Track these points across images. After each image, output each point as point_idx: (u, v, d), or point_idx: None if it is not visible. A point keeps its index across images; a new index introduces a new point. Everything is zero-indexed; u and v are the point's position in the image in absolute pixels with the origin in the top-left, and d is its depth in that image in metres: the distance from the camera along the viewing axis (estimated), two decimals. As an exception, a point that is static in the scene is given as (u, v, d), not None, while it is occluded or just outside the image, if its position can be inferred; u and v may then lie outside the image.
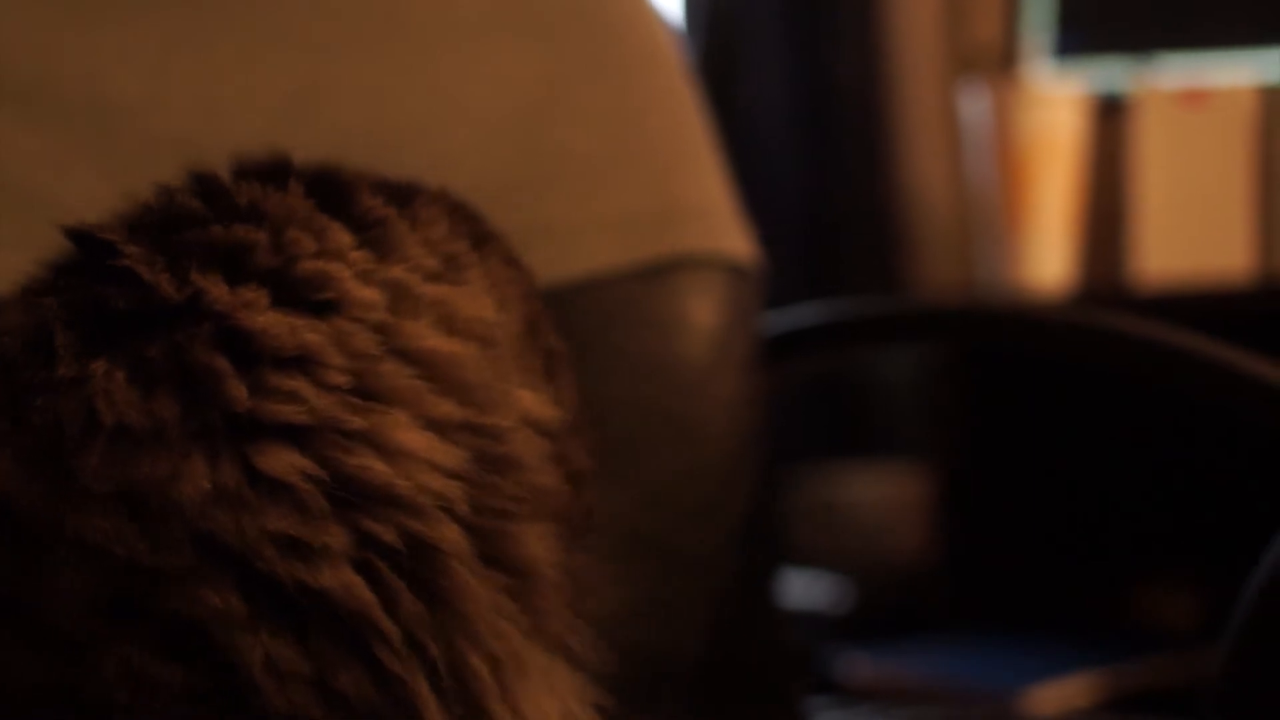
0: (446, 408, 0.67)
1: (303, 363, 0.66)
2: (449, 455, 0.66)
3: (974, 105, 2.25)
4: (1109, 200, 2.23)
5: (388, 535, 0.63)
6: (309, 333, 0.67)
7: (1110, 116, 2.25)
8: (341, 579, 0.62)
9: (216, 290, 0.68)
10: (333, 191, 0.76)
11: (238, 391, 0.65)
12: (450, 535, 0.64)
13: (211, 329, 0.66)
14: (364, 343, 0.67)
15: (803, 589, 2.25)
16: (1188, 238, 2.21)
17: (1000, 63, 2.39)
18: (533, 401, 0.72)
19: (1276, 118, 2.22)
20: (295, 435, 0.64)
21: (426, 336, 0.68)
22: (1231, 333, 1.17)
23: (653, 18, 1.35)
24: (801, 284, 2.27)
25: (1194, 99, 2.22)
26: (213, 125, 1.19)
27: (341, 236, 0.71)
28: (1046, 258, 2.19)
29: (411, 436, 0.65)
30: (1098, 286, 2.21)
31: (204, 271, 0.69)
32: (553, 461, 0.71)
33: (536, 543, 0.68)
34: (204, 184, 0.78)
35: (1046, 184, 2.20)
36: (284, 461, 0.64)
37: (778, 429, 2.31)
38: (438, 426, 0.66)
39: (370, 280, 0.69)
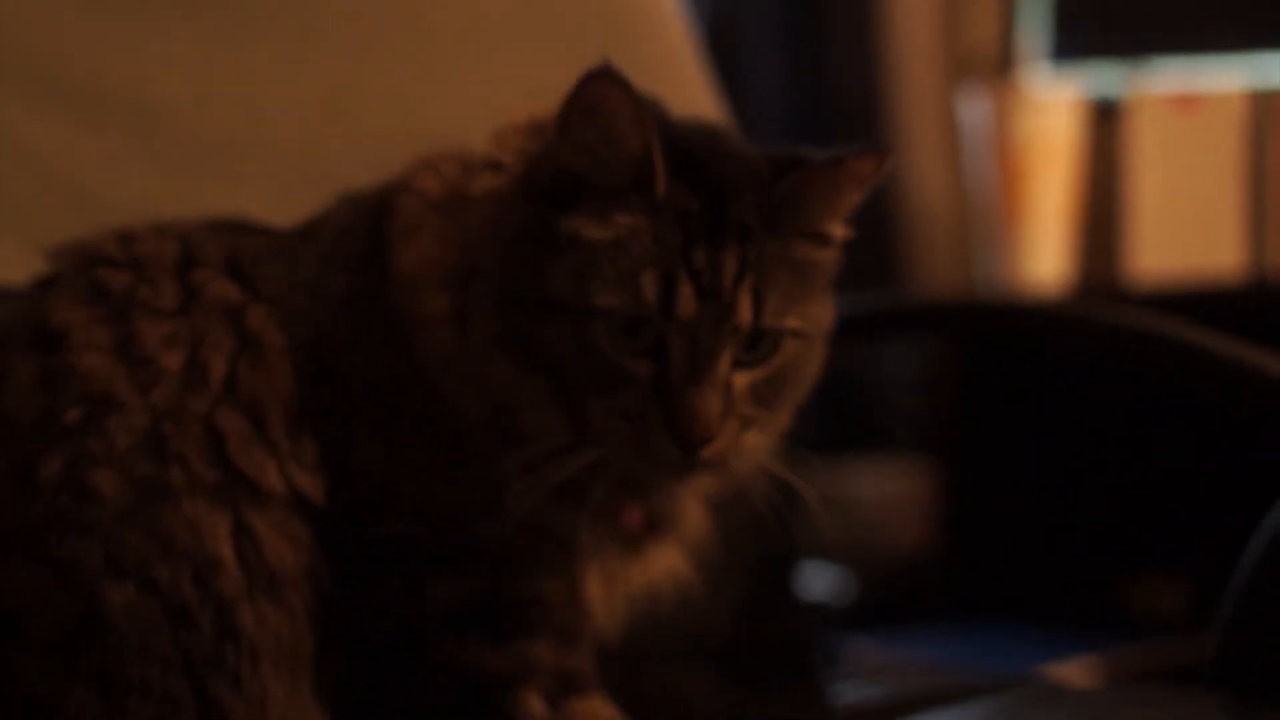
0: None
1: None
2: None
3: (972, 109, 2.30)
4: (1104, 201, 2.28)
5: None
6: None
7: (1105, 119, 2.30)
8: None
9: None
10: None
11: None
12: None
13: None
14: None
15: (809, 580, 2.30)
16: (1181, 237, 2.26)
17: (997, 67, 2.43)
18: None
19: (1267, 121, 2.27)
20: None
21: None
22: (1223, 328, 1.21)
23: (675, 20, 1.40)
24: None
25: (1187, 103, 2.27)
26: (254, 127, 1.23)
27: None
28: (1043, 257, 2.24)
29: None
30: (1093, 284, 2.26)
31: None
32: None
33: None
34: None
35: (1043, 185, 2.24)
36: None
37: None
38: None
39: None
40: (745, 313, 0.86)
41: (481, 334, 0.89)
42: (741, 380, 0.88)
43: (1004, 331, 1.66)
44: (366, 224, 0.95)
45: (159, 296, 0.91)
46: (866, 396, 2.46)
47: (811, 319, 0.91)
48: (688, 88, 1.36)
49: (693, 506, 0.98)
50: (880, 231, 2.41)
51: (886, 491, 2.36)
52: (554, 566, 0.94)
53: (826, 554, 2.31)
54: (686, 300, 0.85)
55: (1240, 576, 1.17)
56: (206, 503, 0.87)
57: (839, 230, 0.93)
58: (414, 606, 0.90)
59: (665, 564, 0.98)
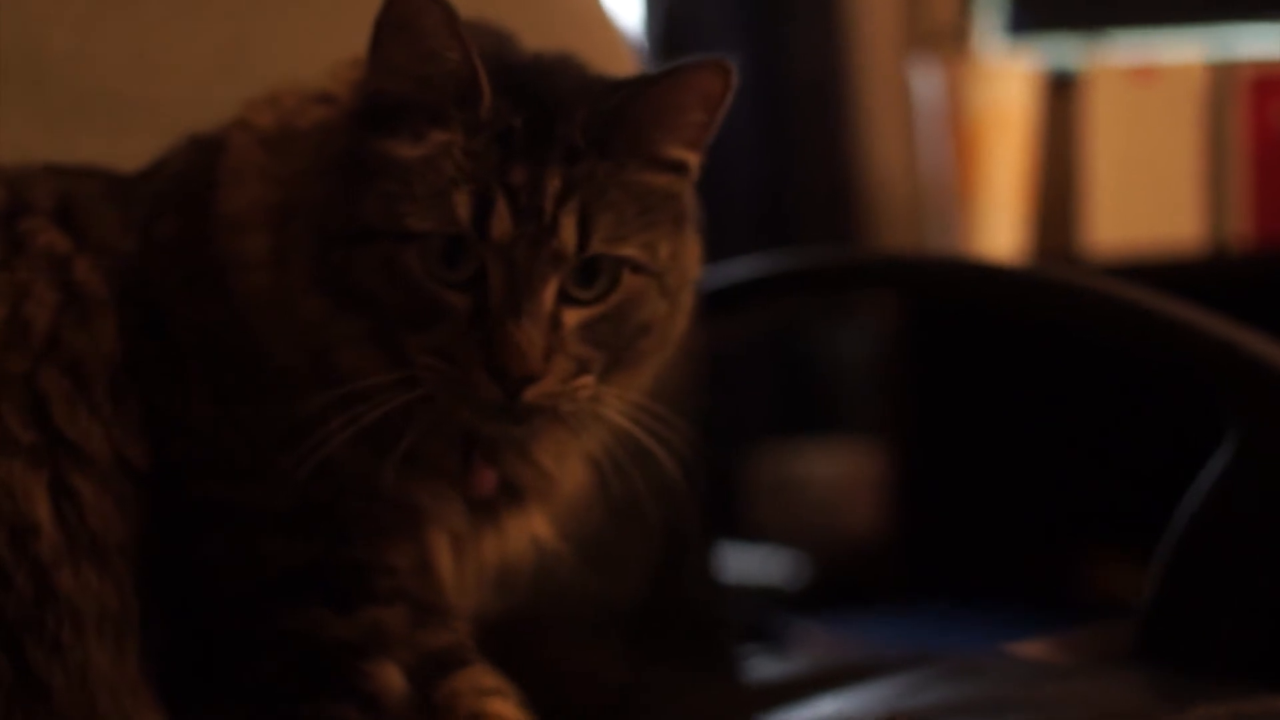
0: None
1: None
2: None
3: (927, 81, 2.26)
4: (1060, 173, 2.25)
5: None
6: None
7: (1061, 92, 2.26)
8: None
9: None
10: None
11: None
12: None
13: None
14: None
15: (759, 564, 2.26)
16: (1138, 209, 2.22)
17: (953, 39, 2.40)
18: None
19: (1225, 93, 2.23)
20: None
21: None
22: (1182, 299, 1.17)
23: None
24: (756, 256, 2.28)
25: (1144, 75, 2.24)
26: (143, 81, 1.19)
27: None
28: (999, 229, 2.20)
29: None
30: (1049, 256, 2.23)
31: None
32: None
33: None
34: None
35: (998, 158, 2.21)
36: None
37: (734, 406, 2.32)
38: None
39: None
40: (569, 236, 0.81)
41: (299, 275, 0.84)
42: (572, 316, 0.83)
43: (960, 293, 1.59)
44: (202, 163, 0.91)
45: None
46: (818, 377, 2.42)
47: (657, 253, 0.85)
48: (603, 43, 1.32)
49: (570, 469, 0.92)
50: (836, 205, 2.38)
51: (839, 473, 2.32)
52: (397, 530, 0.89)
53: (778, 537, 2.28)
54: (501, 219, 0.80)
55: (1163, 551, 1.13)
56: (23, 464, 0.83)
57: (688, 156, 0.87)
58: (249, 572, 0.86)
59: (524, 533, 0.93)
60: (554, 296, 0.82)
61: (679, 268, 0.88)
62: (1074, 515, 2.27)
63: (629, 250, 0.84)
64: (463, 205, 0.81)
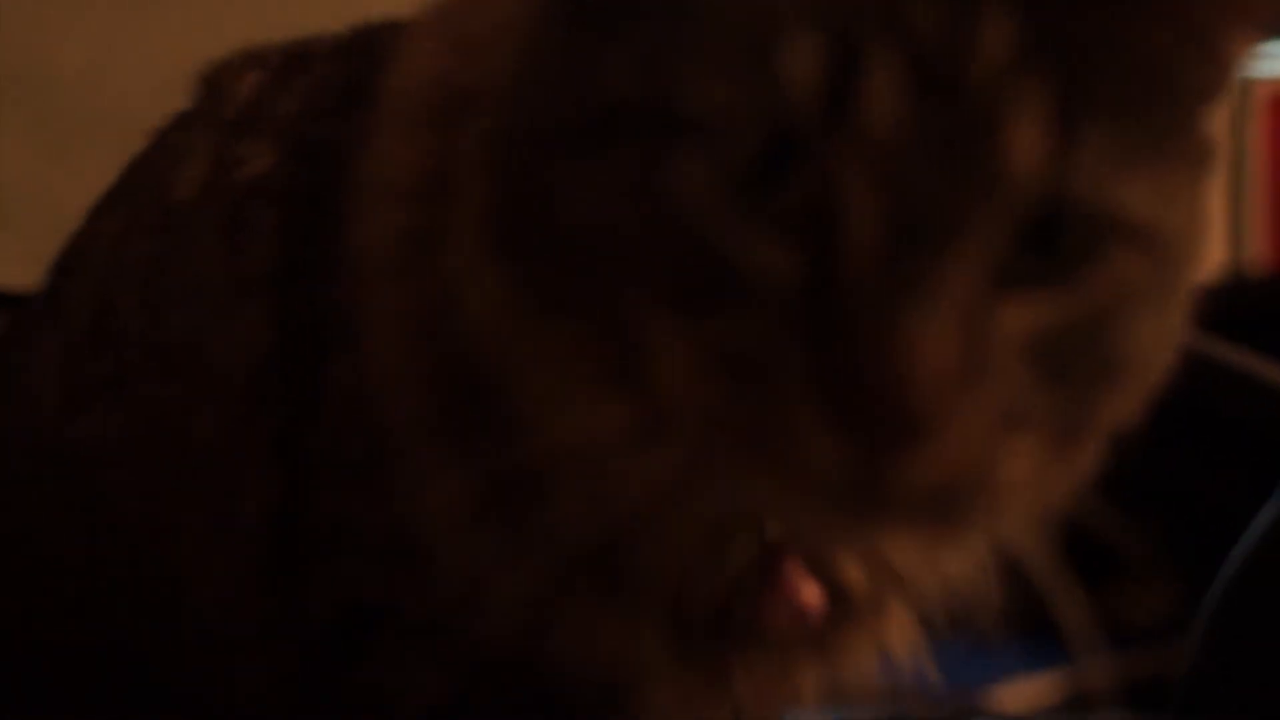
0: None
1: None
2: None
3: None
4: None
5: None
6: None
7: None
8: None
9: None
10: None
11: None
12: None
13: None
14: None
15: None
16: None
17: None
18: None
19: (1245, 111, 2.21)
20: None
21: None
22: (1201, 326, 1.15)
23: None
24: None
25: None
26: (155, 101, 1.18)
27: None
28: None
29: None
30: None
31: None
32: None
33: None
34: None
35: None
36: None
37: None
38: None
39: None
40: (1031, 141, 0.42)
41: (463, 246, 0.49)
42: (1017, 315, 0.44)
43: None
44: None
45: None
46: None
47: (1171, 207, 0.46)
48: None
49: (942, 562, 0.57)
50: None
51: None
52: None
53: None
54: (883, 95, 0.41)
55: (1211, 600, 1.10)
56: None
57: (1236, 43, 0.49)
58: None
59: (864, 649, 0.58)
60: (987, 269, 0.42)
61: (1184, 233, 0.48)
62: (1086, 543, 2.24)
63: (1133, 189, 0.44)
64: (803, 61, 0.41)
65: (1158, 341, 0.49)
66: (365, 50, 0.61)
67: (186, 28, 1.21)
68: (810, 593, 0.53)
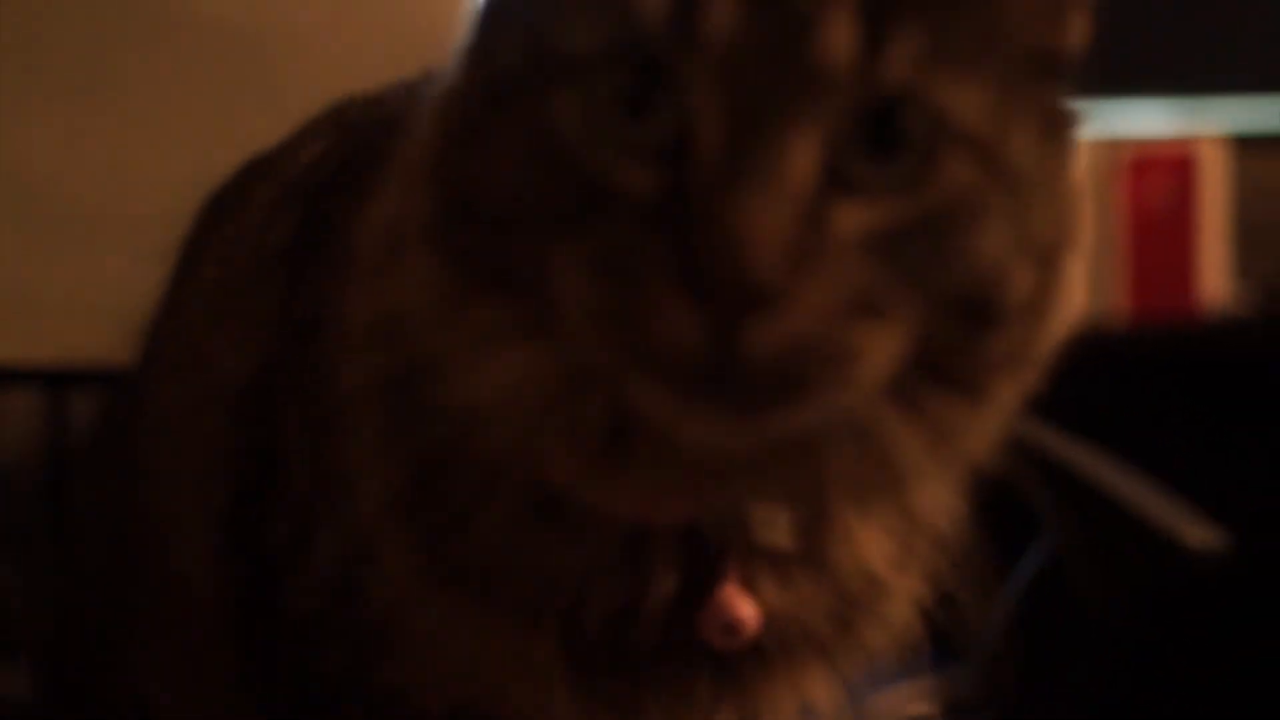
0: None
1: None
2: None
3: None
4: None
5: None
6: None
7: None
8: None
9: None
10: None
11: None
12: None
13: None
14: None
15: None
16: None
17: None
18: None
19: (1109, 173, 2.30)
20: None
21: None
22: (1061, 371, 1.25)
23: None
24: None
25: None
26: (120, 199, 1.24)
27: None
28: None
29: None
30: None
31: None
32: None
33: None
34: None
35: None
36: None
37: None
38: None
39: None
40: (841, 37, 0.48)
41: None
42: (854, 213, 0.49)
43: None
44: None
45: None
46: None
47: (1009, 136, 0.51)
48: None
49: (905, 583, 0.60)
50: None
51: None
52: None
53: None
54: (720, 5, 0.48)
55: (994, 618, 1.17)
56: None
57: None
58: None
59: (788, 695, 0.60)
60: (814, 156, 0.48)
61: (1055, 205, 0.54)
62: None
63: (958, 95, 0.49)
64: None
65: (1008, 262, 0.51)
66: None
67: (148, 129, 1.26)
68: (746, 609, 0.55)
